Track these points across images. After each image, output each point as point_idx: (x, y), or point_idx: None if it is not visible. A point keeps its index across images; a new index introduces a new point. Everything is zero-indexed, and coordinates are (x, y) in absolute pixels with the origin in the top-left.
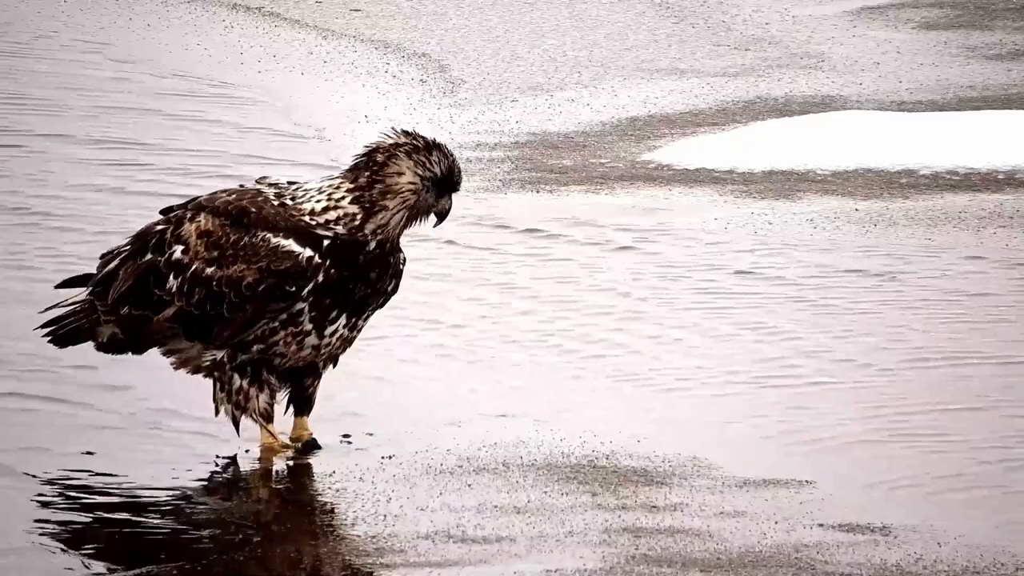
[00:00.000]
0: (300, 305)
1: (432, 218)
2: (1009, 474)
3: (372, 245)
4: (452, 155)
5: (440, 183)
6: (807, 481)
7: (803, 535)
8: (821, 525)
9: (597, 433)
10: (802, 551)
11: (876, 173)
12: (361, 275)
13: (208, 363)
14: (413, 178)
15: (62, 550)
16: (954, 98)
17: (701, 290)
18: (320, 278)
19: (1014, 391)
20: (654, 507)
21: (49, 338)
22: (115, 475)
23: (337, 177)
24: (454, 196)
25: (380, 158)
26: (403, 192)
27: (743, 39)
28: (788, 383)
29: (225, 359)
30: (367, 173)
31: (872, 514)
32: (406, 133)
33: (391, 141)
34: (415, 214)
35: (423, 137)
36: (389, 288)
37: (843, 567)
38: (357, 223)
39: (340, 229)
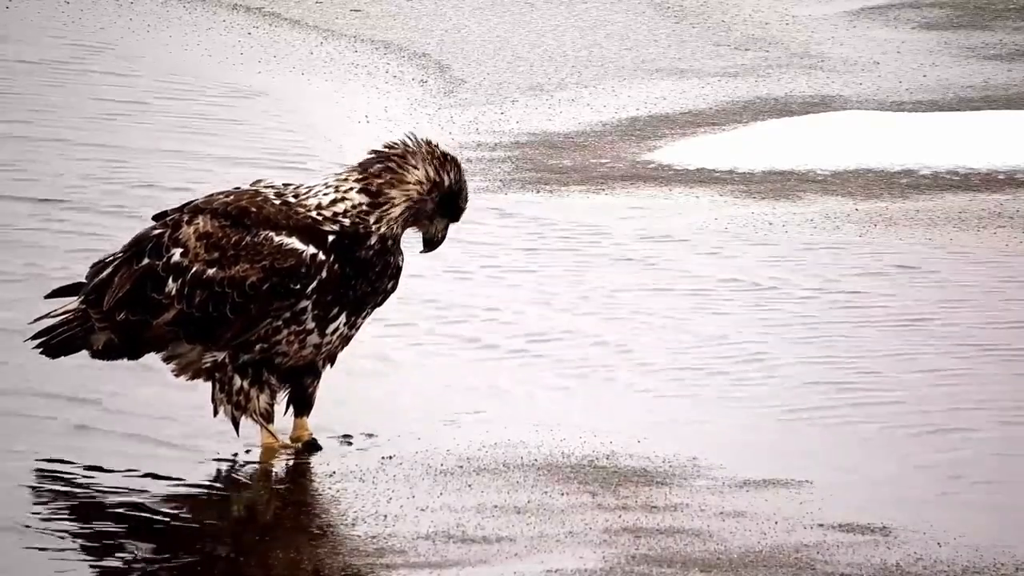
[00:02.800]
0: (303, 303)
1: (421, 243)
2: (1010, 475)
3: (374, 239)
4: (463, 177)
5: (445, 198)
6: (807, 481)
7: (803, 535)
8: (821, 525)
9: (597, 433)
10: (802, 551)
11: (876, 173)
12: (362, 272)
13: (209, 364)
14: (422, 177)
15: (61, 551)
16: (954, 98)
17: (701, 290)
18: (324, 274)
19: (1016, 390)
20: (654, 507)
21: (40, 349)
22: (114, 475)
23: (345, 171)
24: (450, 227)
25: (399, 150)
26: (409, 186)
27: (743, 39)
28: (788, 383)
29: (227, 360)
30: (379, 164)
31: (872, 514)
32: (428, 142)
33: (412, 144)
34: (415, 214)
35: (442, 150)
36: (388, 287)
37: (843, 567)
38: (364, 212)
39: (346, 221)
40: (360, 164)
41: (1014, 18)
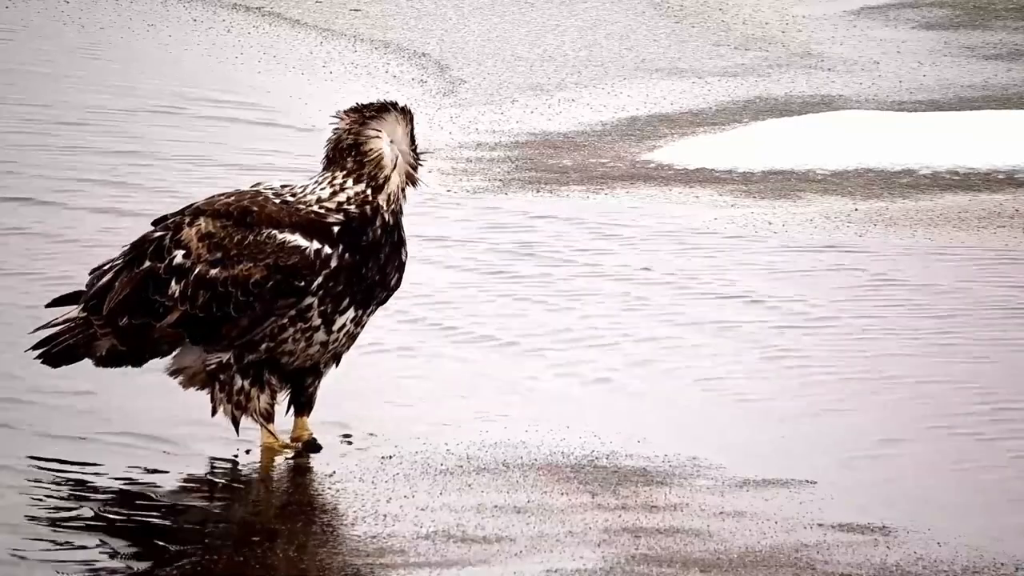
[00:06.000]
0: (309, 300)
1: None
2: (1010, 474)
3: (387, 216)
4: (406, 109)
5: (411, 138)
6: (807, 481)
7: (803, 535)
8: (821, 525)
9: (597, 433)
10: (802, 551)
11: (876, 173)
12: (373, 254)
13: (214, 365)
14: (387, 142)
15: (61, 551)
16: (954, 98)
17: (701, 290)
18: (333, 264)
19: (1016, 389)
20: (654, 507)
21: (42, 359)
22: (114, 476)
23: (326, 173)
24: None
25: (350, 140)
26: (385, 158)
27: (743, 39)
28: (788, 383)
29: (231, 360)
30: (350, 159)
31: (872, 514)
32: (353, 109)
33: (345, 123)
34: (409, 170)
35: (370, 105)
36: (392, 283)
37: (843, 567)
38: (370, 197)
39: (353, 208)
40: (331, 163)
41: (1014, 18)
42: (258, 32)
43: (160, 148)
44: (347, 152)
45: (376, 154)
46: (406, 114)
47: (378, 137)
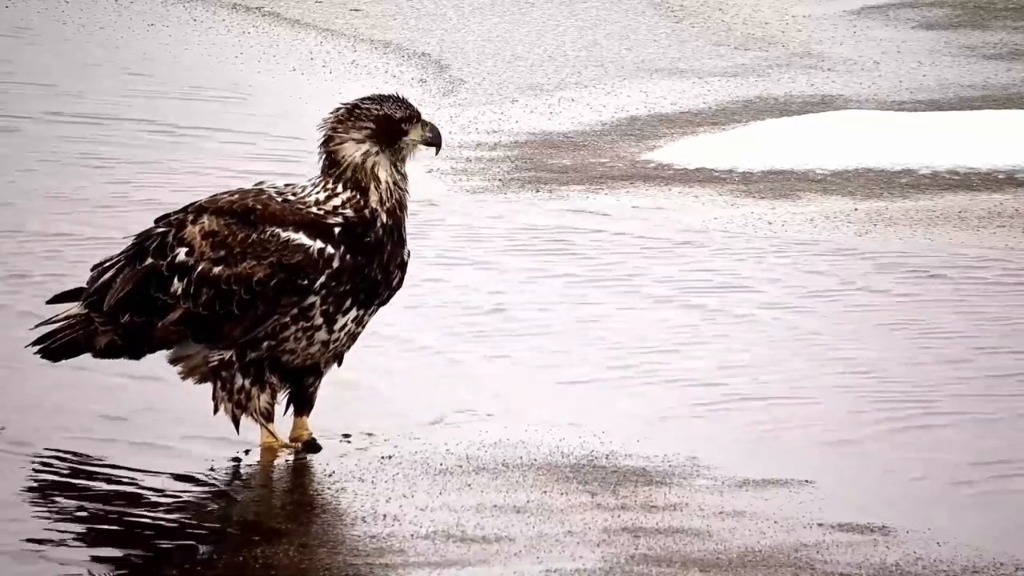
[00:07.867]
0: (312, 299)
1: (428, 149)
2: (1009, 475)
3: (384, 217)
4: (378, 101)
5: (387, 133)
6: (807, 481)
7: (803, 535)
8: (821, 525)
9: (597, 433)
10: (802, 551)
11: (876, 173)
12: (377, 252)
13: (216, 363)
14: (356, 147)
15: (61, 551)
16: (954, 98)
17: (700, 290)
18: (336, 265)
19: (1017, 390)
20: (654, 507)
21: (41, 354)
22: (114, 475)
23: (321, 177)
24: (426, 119)
25: (332, 158)
26: (360, 165)
27: (743, 39)
28: (788, 383)
29: (233, 358)
30: (331, 171)
31: (872, 514)
32: (331, 113)
33: (322, 132)
34: (394, 167)
35: (342, 107)
36: (395, 281)
37: (843, 567)
38: (361, 202)
39: (349, 212)
40: (322, 168)
41: (1014, 18)
42: (258, 32)
43: (159, 149)
44: (327, 161)
45: (347, 162)
46: (378, 104)
47: (347, 143)
